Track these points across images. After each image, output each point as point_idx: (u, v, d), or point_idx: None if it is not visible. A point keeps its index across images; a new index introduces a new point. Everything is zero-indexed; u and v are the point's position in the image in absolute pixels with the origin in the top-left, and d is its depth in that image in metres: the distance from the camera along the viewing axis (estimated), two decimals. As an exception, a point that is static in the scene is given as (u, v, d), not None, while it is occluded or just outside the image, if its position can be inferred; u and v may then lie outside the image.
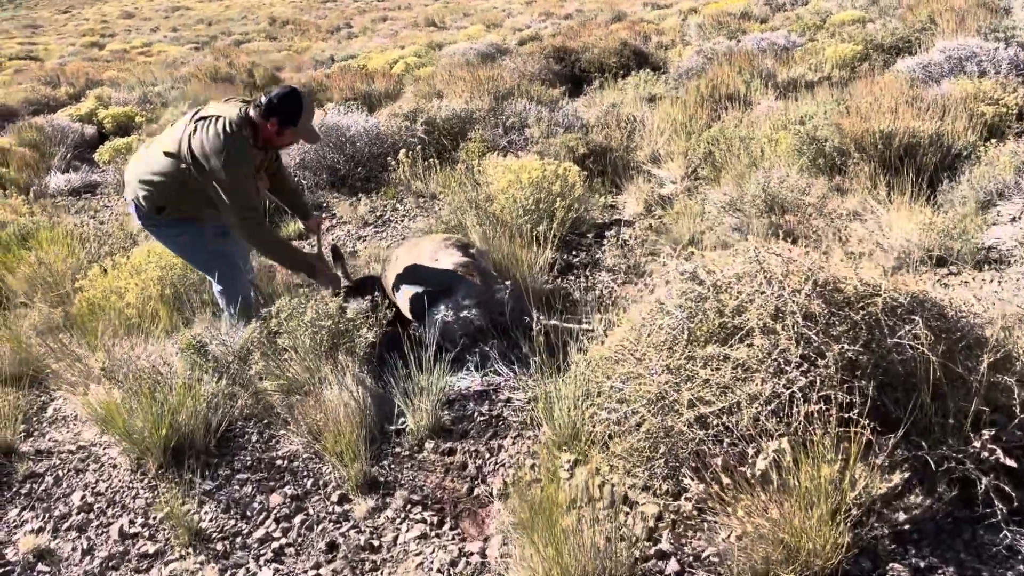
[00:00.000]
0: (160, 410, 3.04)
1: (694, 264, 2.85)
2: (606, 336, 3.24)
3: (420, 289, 3.98)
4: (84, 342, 4.00)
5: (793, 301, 2.53)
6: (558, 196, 5.32)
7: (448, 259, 4.21)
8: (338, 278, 4.17)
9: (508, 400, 3.29)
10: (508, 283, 3.59)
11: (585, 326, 3.94)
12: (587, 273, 4.97)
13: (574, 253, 5.28)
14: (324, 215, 6.80)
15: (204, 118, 3.64)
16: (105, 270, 4.80)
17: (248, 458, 3.15)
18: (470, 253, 4.39)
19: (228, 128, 3.55)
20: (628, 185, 6.48)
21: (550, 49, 12.99)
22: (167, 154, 3.65)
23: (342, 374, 3.19)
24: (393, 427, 3.19)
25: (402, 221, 6.47)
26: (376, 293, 4.08)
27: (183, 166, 3.59)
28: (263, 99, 3.61)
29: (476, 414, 3.25)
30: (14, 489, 3.16)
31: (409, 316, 4.10)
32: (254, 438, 3.25)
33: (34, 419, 3.74)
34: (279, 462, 3.12)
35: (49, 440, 3.49)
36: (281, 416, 3.21)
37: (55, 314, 4.84)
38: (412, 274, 4.14)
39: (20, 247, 5.33)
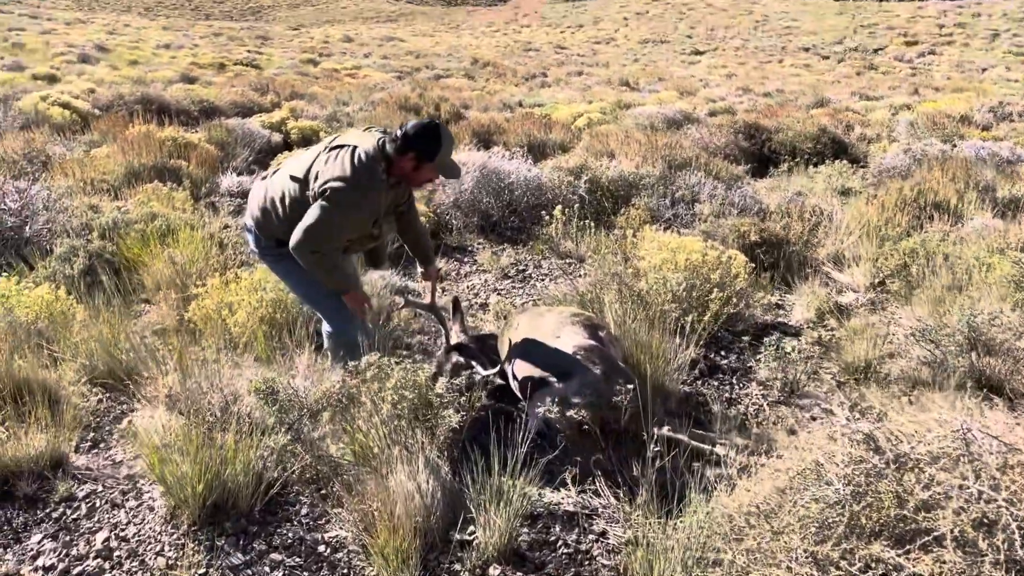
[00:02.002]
0: (207, 459, 2.66)
1: (872, 422, 2.15)
2: (740, 478, 2.58)
3: (529, 369, 3.46)
4: (179, 353, 3.76)
5: (1010, 512, 1.78)
6: (716, 286, 4.66)
7: (570, 339, 3.66)
8: (365, 299, 3.75)
9: (602, 534, 2.67)
10: (631, 387, 2.97)
11: (716, 449, 3.27)
12: (734, 381, 4.26)
13: (723, 354, 4.58)
14: (465, 259, 6.46)
15: (339, 146, 3.38)
16: (227, 281, 4.61)
17: (290, 535, 2.70)
18: (598, 336, 3.82)
19: (360, 159, 3.27)
20: (801, 285, 5.70)
21: (741, 124, 12.30)
22: (294, 179, 3.37)
23: (415, 458, 2.69)
24: (459, 536, 2.64)
25: (543, 280, 6.00)
26: (476, 362, 3.63)
27: (308, 193, 3.30)
28: (399, 132, 3.27)
29: (559, 543, 2.65)
30: (47, 510, 2.88)
31: (517, 394, 3.60)
32: (304, 511, 2.81)
33: (107, 428, 3.50)
34: (321, 548, 2.65)
35: (105, 459, 3.22)
36: (336, 492, 2.75)
37: (170, 318, 4.70)
38: (526, 349, 3.63)
39: (158, 242, 5.28)
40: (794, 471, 2.18)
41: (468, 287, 5.87)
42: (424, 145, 3.27)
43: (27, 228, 5.51)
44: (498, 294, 5.70)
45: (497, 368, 3.63)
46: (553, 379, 3.39)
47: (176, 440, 2.71)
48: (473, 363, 3.84)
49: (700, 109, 17.59)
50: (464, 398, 2.96)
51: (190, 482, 2.63)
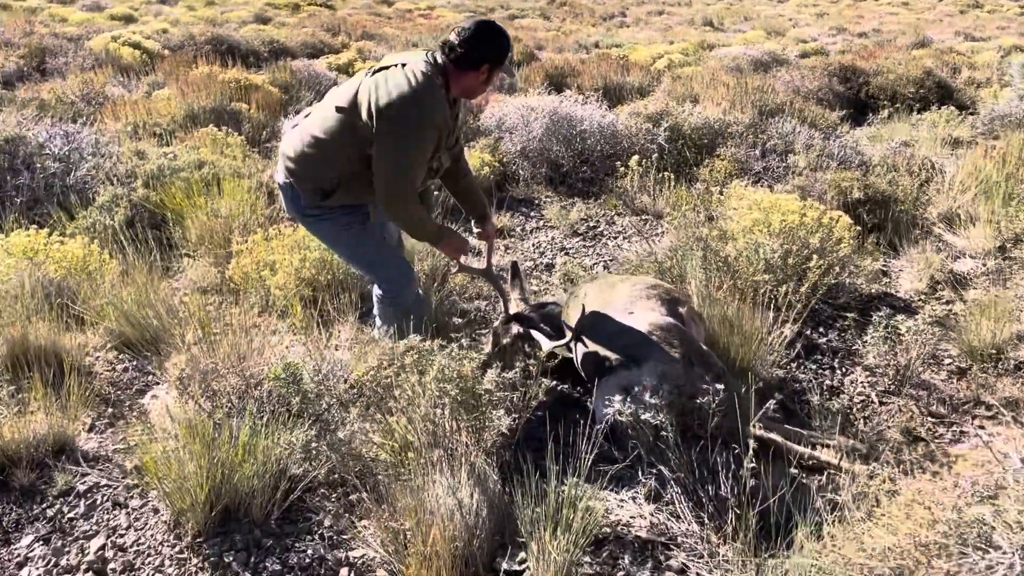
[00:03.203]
0: (216, 458, 2.27)
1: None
2: (857, 506, 2.07)
3: (595, 351, 2.99)
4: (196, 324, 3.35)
5: None
6: (815, 252, 4.06)
7: (645, 315, 3.16)
8: (464, 243, 3.38)
9: (682, 573, 2.18)
10: (720, 387, 2.44)
11: (819, 455, 2.74)
12: (835, 364, 3.69)
13: (822, 331, 4.00)
14: (531, 213, 5.95)
15: (385, 67, 2.94)
16: (268, 237, 4.24)
17: (308, 552, 2.30)
18: (678, 312, 3.30)
19: (415, 73, 2.85)
20: (909, 250, 5.02)
21: (836, 66, 11.30)
22: (339, 109, 2.92)
23: (457, 465, 2.25)
24: (507, 566, 2.19)
25: (615, 239, 5.46)
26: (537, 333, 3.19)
27: (359, 123, 2.87)
28: (460, 47, 2.86)
29: (631, 581, 2.17)
30: (44, 506, 2.54)
31: (582, 373, 3.14)
32: (327, 522, 2.40)
33: (127, 404, 3.16)
34: (344, 572, 2.24)
35: (118, 442, 2.87)
36: (364, 502, 2.33)
37: (211, 276, 4.37)
38: (593, 325, 3.14)
39: (202, 193, 4.92)
40: (943, 523, 1.65)
41: (533, 245, 5.37)
42: (497, 53, 2.93)
43: (71, 175, 5.23)
44: (566, 254, 5.19)
45: (565, 340, 3.16)
46: (624, 365, 2.91)
47: (182, 434, 2.33)
48: (534, 334, 3.39)
49: (790, 50, 16.43)
50: (518, 395, 2.49)
51: (192, 487, 2.25)
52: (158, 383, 3.27)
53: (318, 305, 3.63)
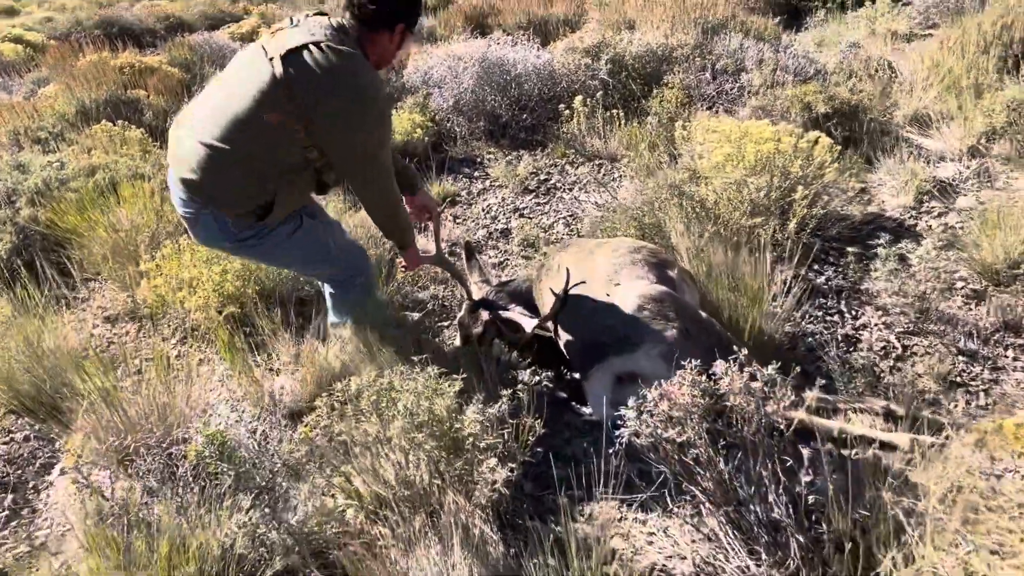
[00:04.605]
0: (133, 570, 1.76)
1: None
2: (945, 511, 1.67)
3: (582, 333, 2.56)
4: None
5: None
6: (798, 182, 3.64)
7: (633, 285, 2.70)
8: (429, 257, 3.05)
9: (745, 631, 1.76)
10: (756, 384, 1.95)
11: (851, 429, 2.34)
12: (842, 307, 3.29)
13: (817, 269, 3.59)
14: (475, 173, 5.40)
15: (295, 50, 2.29)
16: (180, 249, 3.65)
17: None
18: (668, 276, 2.85)
19: (342, 49, 2.34)
20: (885, 160, 4.63)
21: (763, -30, 10.80)
22: (255, 105, 2.29)
23: (447, 534, 1.78)
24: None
25: (571, 190, 4.96)
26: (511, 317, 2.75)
27: (287, 113, 2.30)
28: (370, 2, 2.40)
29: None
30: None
31: (567, 358, 2.71)
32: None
33: (31, 486, 2.60)
34: None
35: (22, 540, 2.32)
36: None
37: (120, 302, 3.78)
38: (576, 302, 2.66)
39: (97, 205, 4.27)
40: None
41: (483, 209, 4.85)
42: (411, 11, 2.52)
43: (-56, 202, 4.52)
44: (521, 215, 4.68)
45: (549, 314, 2.70)
46: (616, 350, 2.48)
47: (83, 555, 1.79)
48: (509, 316, 2.95)
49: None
50: (508, 430, 1.99)
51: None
52: (68, 451, 2.71)
53: (247, 325, 3.09)
